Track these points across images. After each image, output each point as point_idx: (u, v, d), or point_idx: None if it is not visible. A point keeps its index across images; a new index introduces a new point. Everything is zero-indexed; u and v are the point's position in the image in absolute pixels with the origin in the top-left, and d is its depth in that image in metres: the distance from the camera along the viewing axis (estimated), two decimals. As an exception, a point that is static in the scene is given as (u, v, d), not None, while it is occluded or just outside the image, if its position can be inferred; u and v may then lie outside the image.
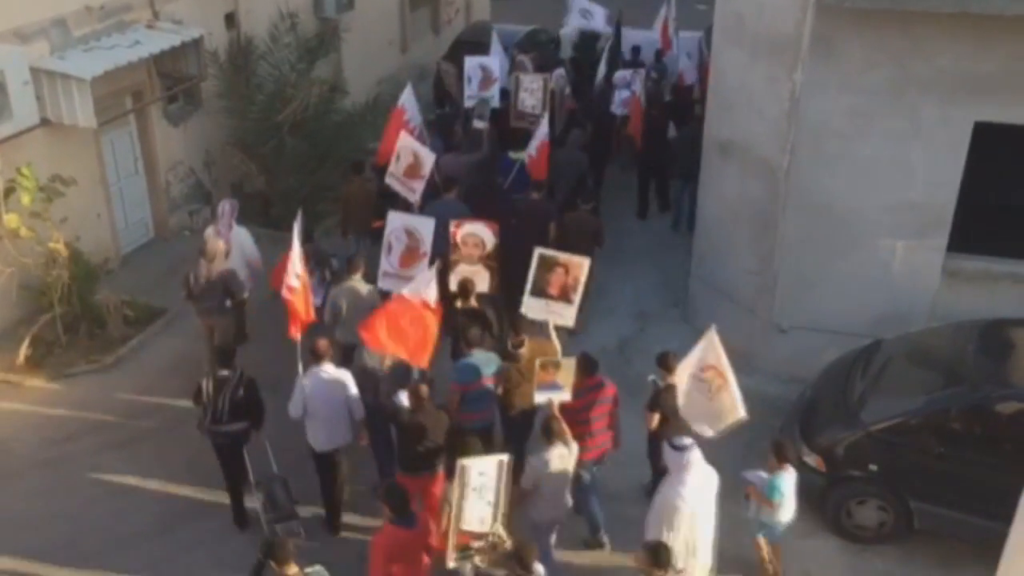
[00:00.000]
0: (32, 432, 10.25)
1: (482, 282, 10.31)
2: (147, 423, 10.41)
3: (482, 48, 16.62)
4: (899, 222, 10.02)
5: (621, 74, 15.82)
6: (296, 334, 9.11)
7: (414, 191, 11.63)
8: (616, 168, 15.78)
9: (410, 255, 10.28)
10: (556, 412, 8.20)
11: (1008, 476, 7.48)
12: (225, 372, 8.68)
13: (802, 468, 8.98)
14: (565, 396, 8.41)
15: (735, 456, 9.99)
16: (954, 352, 9.10)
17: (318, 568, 6.84)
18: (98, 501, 9.33)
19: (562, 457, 7.86)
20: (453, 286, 10.08)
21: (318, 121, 14.56)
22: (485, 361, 8.93)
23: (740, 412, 8.15)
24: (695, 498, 7.33)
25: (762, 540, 8.42)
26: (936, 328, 9.84)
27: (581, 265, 9.37)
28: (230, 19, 14.66)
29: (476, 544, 7.26)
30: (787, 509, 8.12)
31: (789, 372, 10.78)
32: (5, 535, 8.89)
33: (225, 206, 11.27)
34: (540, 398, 8.43)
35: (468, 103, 14.43)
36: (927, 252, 10.09)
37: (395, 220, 10.47)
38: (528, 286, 9.48)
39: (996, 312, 9.60)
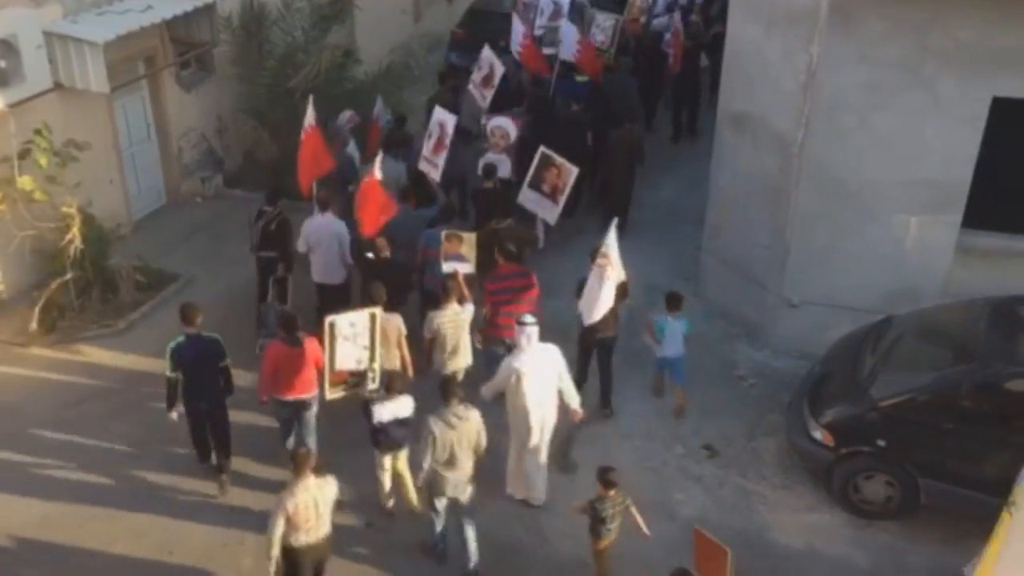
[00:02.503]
0: (44, 395, 10.34)
1: (504, 168, 12.03)
2: (158, 388, 10.40)
3: (495, 18, 17.01)
4: (913, 198, 9.95)
5: (659, 21, 17.91)
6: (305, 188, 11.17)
7: (485, 98, 13.50)
8: (664, 107, 17.15)
9: (439, 144, 11.75)
10: (460, 279, 9.62)
11: (1016, 454, 7.50)
12: (267, 208, 10.78)
13: (810, 443, 9.03)
14: (468, 268, 9.94)
15: (745, 427, 10.08)
16: (965, 329, 9.07)
17: (216, 336, 8.74)
18: (109, 464, 9.42)
19: (456, 313, 9.31)
20: (479, 170, 11.93)
21: (331, 88, 14.48)
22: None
23: (605, 308, 9.21)
24: (528, 365, 8.49)
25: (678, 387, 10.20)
26: (948, 305, 9.80)
27: (571, 172, 10.96)
28: (243, -16, 14.61)
29: (352, 379, 8.71)
30: (666, 347, 9.97)
31: (799, 347, 10.78)
32: (16, 496, 9.00)
33: (346, 115, 13.16)
34: (447, 268, 9.86)
35: (538, 32, 16.02)
36: (941, 228, 10.03)
37: (436, 114, 12.09)
38: (528, 179, 11.25)
39: (1009, 289, 9.53)
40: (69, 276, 11.24)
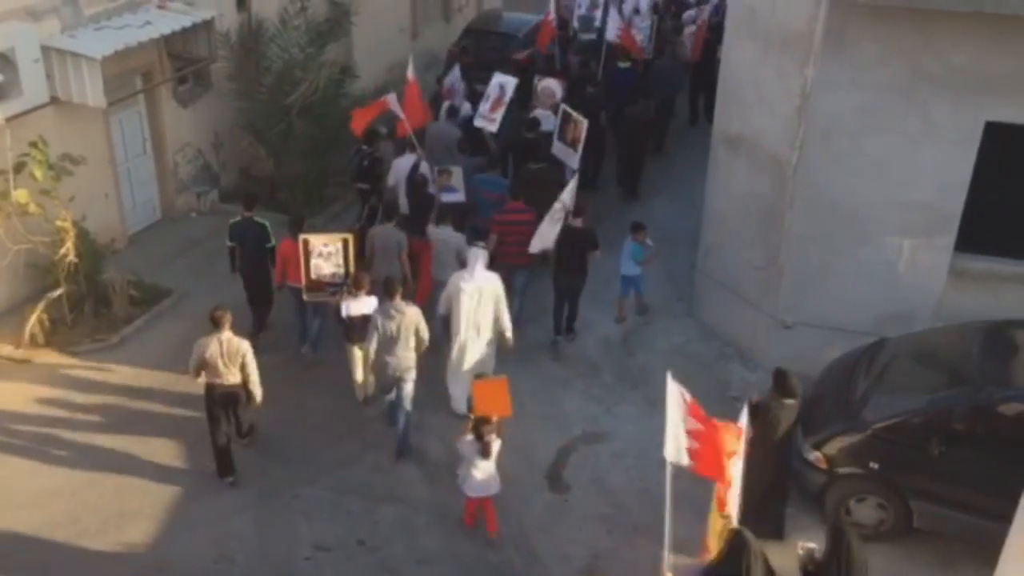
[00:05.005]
0: (36, 409, 10.29)
1: (547, 123, 13.91)
2: (150, 403, 10.45)
3: (492, 36, 17.27)
4: (906, 220, 10.00)
5: (689, 14, 19.23)
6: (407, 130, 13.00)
7: (494, 122, 14.43)
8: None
9: (497, 103, 13.77)
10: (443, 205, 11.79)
11: (1008, 477, 7.50)
12: (363, 147, 12.89)
13: (803, 464, 9.02)
14: (460, 197, 12.07)
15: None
16: (958, 352, 9.09)
17: (264, 222, 11.11)
18: (99, 479, 9.37)
19: (448, 233, 11.11)
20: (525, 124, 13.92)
21: (327, 105, 14.52)
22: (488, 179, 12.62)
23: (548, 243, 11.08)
24: (470, 284, 9.88)
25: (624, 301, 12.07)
26: (940, 328, 9.83)
27: (582, 124, 12.85)
28: (241, 1, 14.62)
29: (330, 288, 10.41)
30: (625, 265, 11.75)
31: (792, 368, 10.76)
32: (6, 511, 8.94)
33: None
34: (446, 198, 11.99)
35: (576, 22, 18.20)
36: (934, 251, 10.07)
37: (496, 78, 13.96)
38: (555, 134, 13.42)
39: (1001, 313, 9.57)
40: (63, 290, 11.22)
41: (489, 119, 13.86)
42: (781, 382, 8.40)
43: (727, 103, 11.41)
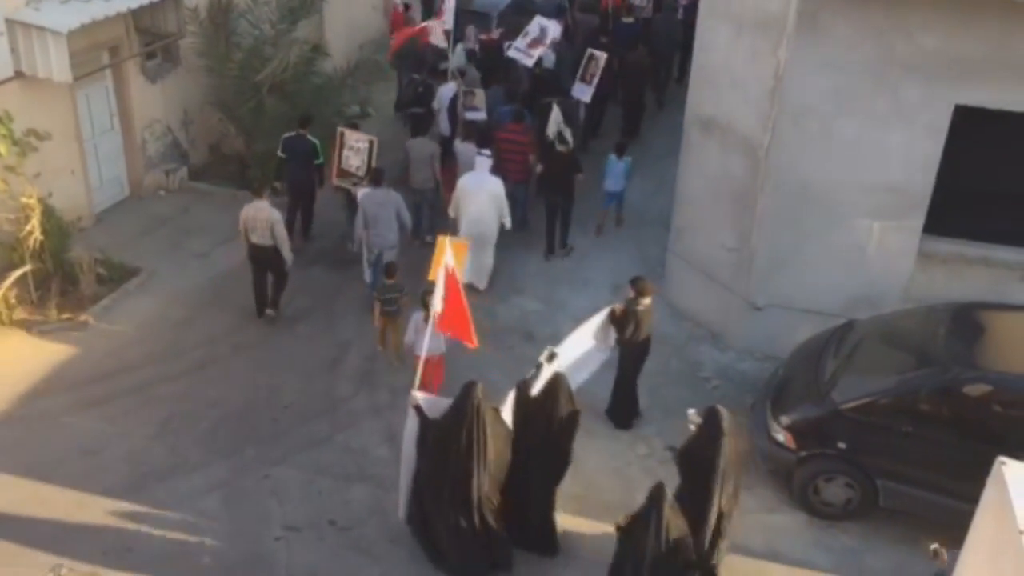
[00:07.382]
0: (1, 388, 10.14)
1: (548, 60, 15.84)
2: (119, 382, 10.33)
3: (466, 15, 17.31)
4: (876, 203, 10.07)
5: None
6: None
7: (532, 57, 15.62)
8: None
9: (536, 42, 15.28)
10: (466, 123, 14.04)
11: (973, 457, 7.61)
12: (415, 76, 15.07)
13: (773, 444, 9.11)
14: (482, 115, 13.93)
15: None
16: (925, 334, 9.19)
17: (315, 141, 12.58)
18: (67, 459, 9.26)
19: (470, 148, 12.68)
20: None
21: (298, 83, 14.38)
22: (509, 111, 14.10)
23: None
24: (471, 184, 11.87)
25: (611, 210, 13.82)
26: (909, 310, 9.93)
27: (599, 60, 14.91)
28: (211, -25, 14.43)
29: (353, 178, 12.33)
30: (610, 183, 13.44)
31: (763, 349, 10.87)
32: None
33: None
34: (469, 116, 13.94)
35: None
36: (903, 234, 10.16)
37: (538, 19, 15.56)
38: (579, 73, 15.25)
39: (968, 295, 9.70)
40: (28, 268, 11.05)
41: (527, 54, 15.25)
42: (639, 285, 9.70)
43: (700, 85, 11.40)
